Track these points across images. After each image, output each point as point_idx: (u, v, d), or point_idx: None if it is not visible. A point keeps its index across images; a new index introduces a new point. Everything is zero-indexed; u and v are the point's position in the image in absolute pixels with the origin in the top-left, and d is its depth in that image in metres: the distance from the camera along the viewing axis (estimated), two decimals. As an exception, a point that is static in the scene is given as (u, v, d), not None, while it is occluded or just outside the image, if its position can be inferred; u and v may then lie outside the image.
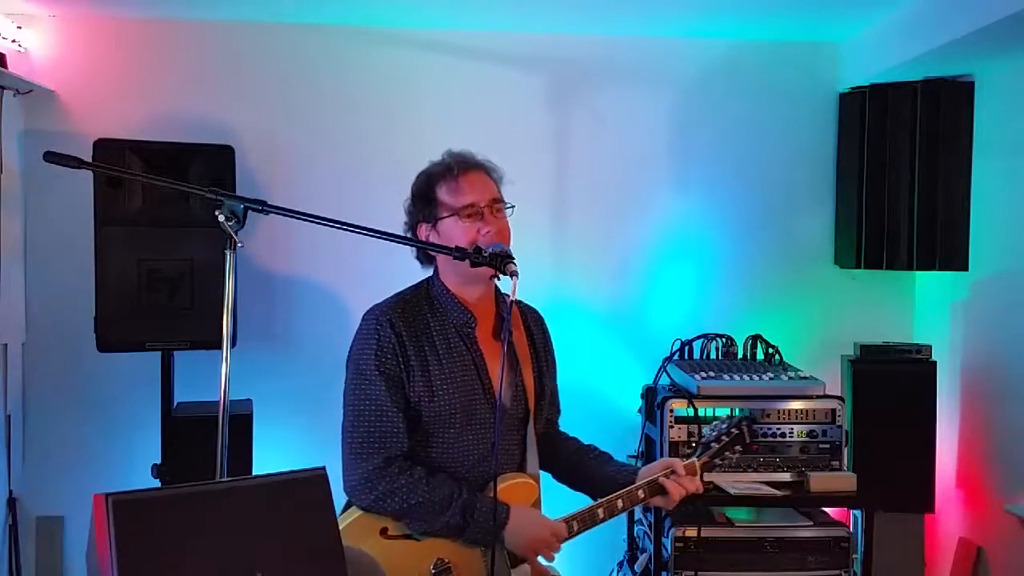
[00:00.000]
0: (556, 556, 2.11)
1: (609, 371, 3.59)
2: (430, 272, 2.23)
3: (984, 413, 3.32)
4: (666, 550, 2.83)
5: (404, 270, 2.26)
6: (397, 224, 2.18)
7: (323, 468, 1.44)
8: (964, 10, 2.80)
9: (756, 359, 3.26)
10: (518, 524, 2.04)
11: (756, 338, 3.28)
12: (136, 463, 3.19)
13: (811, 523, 2.89)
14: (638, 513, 3.15)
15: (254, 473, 2.77)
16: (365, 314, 2.14)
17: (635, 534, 3.24)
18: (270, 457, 2.96)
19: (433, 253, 2.17)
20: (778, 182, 3.66)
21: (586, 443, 2.36)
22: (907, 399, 3.27)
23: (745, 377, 2.99)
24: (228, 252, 1.71)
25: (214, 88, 3.49)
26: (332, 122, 3.53)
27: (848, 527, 3.00)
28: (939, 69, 3.29)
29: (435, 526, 2.03)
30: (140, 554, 1.23)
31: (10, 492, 3.35)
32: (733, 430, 2.31)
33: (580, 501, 2.18)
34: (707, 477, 2.24)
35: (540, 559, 2.12)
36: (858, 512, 3.07)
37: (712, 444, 2.29)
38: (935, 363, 3.31)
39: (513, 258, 1.98)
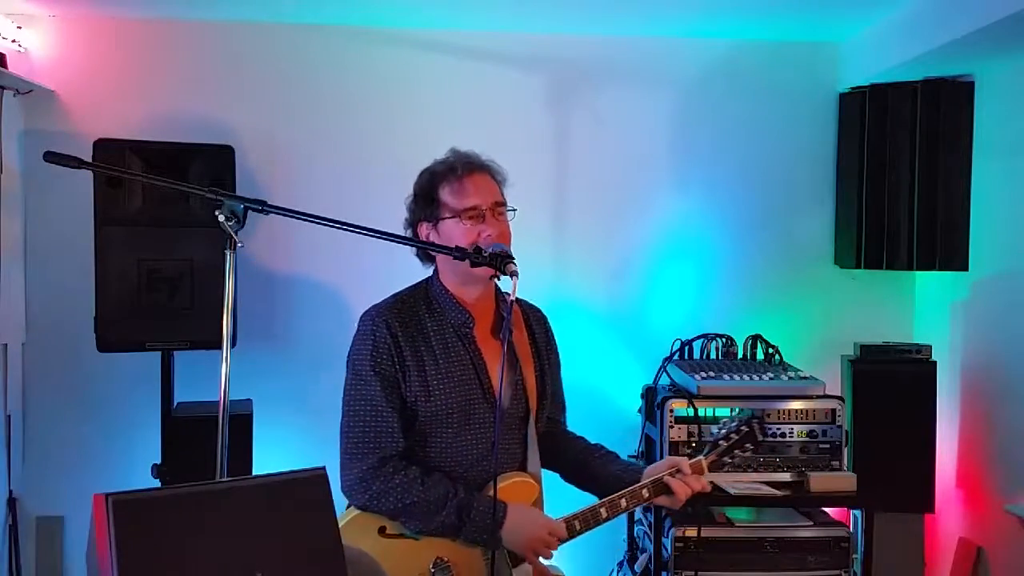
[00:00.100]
0: (555, 555, 2.11)
1: (609, 371, 3.59)
2: (431, 271, 2.24)
3: (984, 413, 3.32)
4: (666, 550, 2.83)
5: (404, 270, 2.26)
6: (397, 224, 2.18)
7: (323, 468, 1.44)
8: (964, 10, 2.79)
9: (756, 359, 3.26)
10: (516, 523, 2.04)
11: (756, 338, 3.28)
12: (136, 463, 3.19)
13: (811, 523, 2.89)
14: (638, 513, 3.15)
15: (254, 473, 2.77)
16: (362, 315, 2.15)
17: (635, 534, 3.24)
18: (270, 457, 2.96)
19: (433, 253, 2.17)
20: (778, 182, 3.66)
21: (593, 443, 2.35)
22: (907, 399, 3.27)
23: (745, 377, 2.98)
24: (228, 252, 1.71)
25: (214, 88, 3.49)
26: (332, 122, 3.53)
27: (848, 527, 3.00)
28: (939, 69, 3.29)
29: (430, 525, 2.03)
30: (140, 554, 1.22)
31: (10, 492, 3.35)
32: (743, 428, 2.28)
33: (584, 500, 2.17)
34: (706, 477, 2.22)
35: (541, 559, 2.12)
36: (858, 512, 3.07)
37: (720, 442, 2.27)
38: (935, 363, 3.30)
39: (513, 258, 1.98)
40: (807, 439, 2.94)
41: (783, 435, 2.93)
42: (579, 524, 2.09)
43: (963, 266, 3.36)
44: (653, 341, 3.46)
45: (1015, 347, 3.14)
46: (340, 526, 1.46)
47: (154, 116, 3.37)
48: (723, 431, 2.31)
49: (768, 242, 3.67)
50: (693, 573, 2.79)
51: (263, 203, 1.73)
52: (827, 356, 3.46)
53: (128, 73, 3.47)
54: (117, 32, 3.45)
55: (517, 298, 1.93)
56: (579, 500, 2.19)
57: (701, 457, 2.22)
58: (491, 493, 1.99)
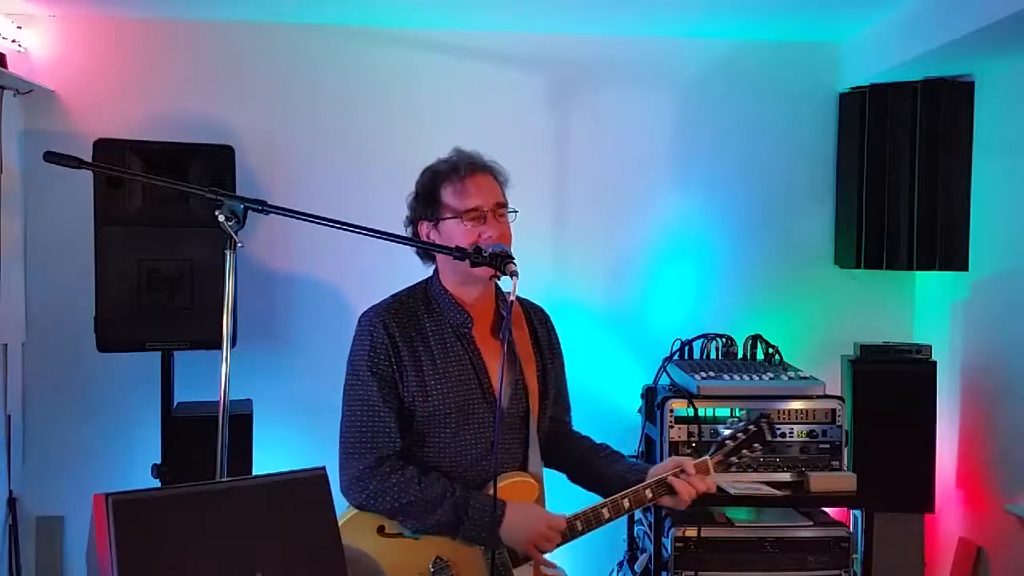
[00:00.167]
0: (555, 555, 2.11)
1: (609, 371, 3.59)
2: (431, 270, 2.23)
3: (984, 413, 3.32)
4: (666, 550, 2.83)
5: (404, 270, 2.26)
6: (397, 224, 2.18)
7: (323, 468, 1.44)
8: (964, 10, 2.79)
9: (756, 359, 3.26)
10: (514, 520, 2.03)
11: (756, 338, 3.28)
12: (136, 463, 3.19)
13: (811, 523, 2.89)
14: (638, 513, 3.15)
15: (254, 473, 2.77)
16: (361, 316, 2.15)
17: (635, 534, 3.24)
18: (270, 457, 2.96)
19: (433, 253, 2.17)
20: (778, 182, 3.66)
21: (599, 443, 2.34)
22: (907, 399, 3.27)
23: (745, 377, 2.99)
24: (228, 252, 1.71)
25: (214, 88, 3.49)
26: (332, 122, 3.53)
27: (848, 527, 3.00)
28: (939, 69, 3.29)
29: (427, 524, 2.03)
30: (140, 554, 1.22)
31: (10, 492, 3.35)
32: (751, 427, 2.25)
33: (587, 500, 2.17)
34: (713, 478, 2.18)
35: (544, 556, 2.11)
36: (858, 512, 3.07)
37: (727, 442, 2.24)
38: (935, 363, 3.30)
39: (513, 258, 1.98)
40: (807, 439, 2.94)
41: (783, 435, 2.93)
42: (581, 524, 2.08)
43: (963, 266, 3.36)
44: (653, 341, 3.46)
45: (1015, 347, 3.14)
46: (339, 525, 1.46)
47: (154, 116, 3.37)
48: (730, 431, 2.28)
49: (768, 242, 3.67)
50: (693, 573, 2.79)
51: (263, 203, 1.73)
52: (827, 356, 3.46)
53: (128, 73, 3.47)
54: (117, 32, 3.45)
55: (520, 297, 1.93)
56: (581, 500, 2.18)
57: (707, 457, 2.19)
58: (491, 492, 1.99)
